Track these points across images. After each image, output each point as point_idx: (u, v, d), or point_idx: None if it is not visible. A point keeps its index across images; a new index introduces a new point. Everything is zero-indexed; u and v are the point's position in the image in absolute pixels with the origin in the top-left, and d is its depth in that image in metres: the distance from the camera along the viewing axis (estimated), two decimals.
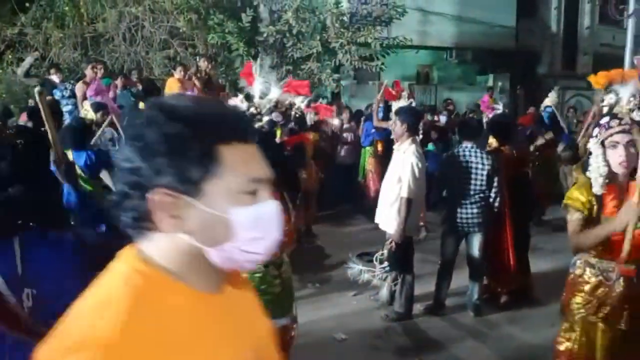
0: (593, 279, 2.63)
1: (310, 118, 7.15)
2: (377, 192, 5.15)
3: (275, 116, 6.10)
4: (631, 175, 2.53)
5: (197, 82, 8.03)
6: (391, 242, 4.37)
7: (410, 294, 4.63)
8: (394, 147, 4.67)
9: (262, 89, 6.23)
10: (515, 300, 4.92)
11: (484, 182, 4.52)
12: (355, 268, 4.57)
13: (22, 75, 9.85)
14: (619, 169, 2.50)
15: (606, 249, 2.56)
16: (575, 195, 2.62)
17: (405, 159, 4.34)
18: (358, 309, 4.88)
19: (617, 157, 2.48)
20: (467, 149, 4.62)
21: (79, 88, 7.20)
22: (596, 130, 2.60)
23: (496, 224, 4.65)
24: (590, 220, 2.58)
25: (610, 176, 2.54)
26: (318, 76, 10.61)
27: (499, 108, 7.31)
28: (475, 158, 4.55)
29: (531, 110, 9.23)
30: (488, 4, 14.64)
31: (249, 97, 6.41)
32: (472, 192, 4.54)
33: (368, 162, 8.12)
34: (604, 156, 2.51)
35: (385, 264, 4.40)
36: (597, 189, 2.55)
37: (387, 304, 4.83)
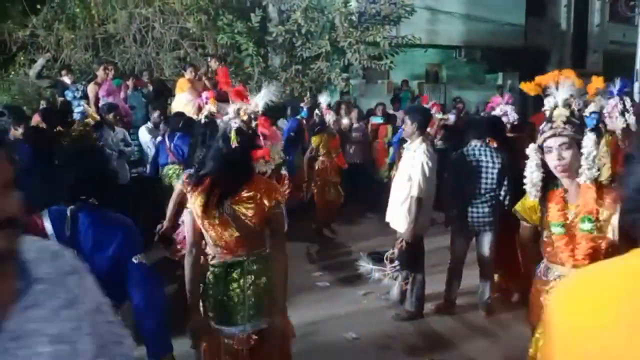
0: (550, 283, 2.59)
1: (328, 119, 7.13)
2: None
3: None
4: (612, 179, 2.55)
5: (207, 83, 8.08)
6: (402, 241, 4.38)
7: (421, 293, 4.65)
8: (404, 146, 4.68)
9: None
10: (527, 299, 4.90)
11: (494, 181, 4.52)
12: (366, 267, 4.58)
13: (34, 76, 9.94)
14: (557, 173, 2.46)
15: (553, 253, 2.57)
16: (523, 203, 2.67)
17: (416, 158, 4.34)
18: (369, 308, 4.90)
19: (552, 162, 2.43)
20: (476, 148, 4.62)
21: (91, 89, 7.28)
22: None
23: (508, 222, 4.63)
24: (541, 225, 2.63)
25: (552, 181, 2.53)
26: (327, 75, 10.62)
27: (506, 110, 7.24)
28: (485, 157, 4.55)
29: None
30: (497, 3, 14.60)
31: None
32: (482, 191, 4.55)
33: None
34: (539, 162, 2.49)
35: (396, 263, 4.40)
36: (532, 197, 2.56)
37: (398, 303, 4.84)
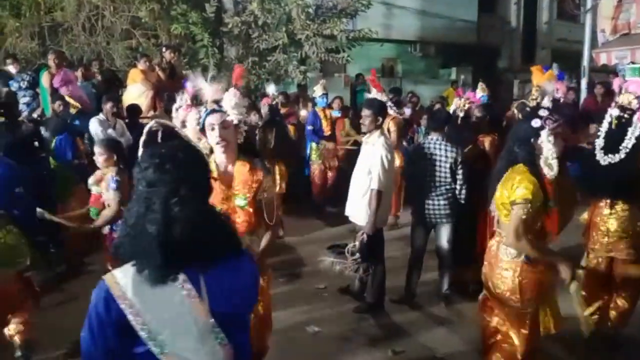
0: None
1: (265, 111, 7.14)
2: None
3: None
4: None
5: (160, 73, 7.87)
6: (362, 234, 4.39)
7: (381, 284, 4.68)
8: (363, 139, 4.68)
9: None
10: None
11: (447, 174, 4.58)
12: (327, 260, 4.56)
13: None
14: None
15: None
16: (528, 186, 2.76)
17: (375, 151, 4.36)
18: (330, 301, 4.90)
19: (558, 147, 2.81)
20: (432, 141, 4.68)
21: (45, 79, 6.94)
22: (538, 121, 2.81)
23: (466, 214, 4.71)
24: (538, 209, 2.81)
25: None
26: (284, 68, 10.53)
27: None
28: (439, 150, 4.60)
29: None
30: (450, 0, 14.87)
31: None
32: (437, 184, 4.61)
33: None
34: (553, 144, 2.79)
35: (357, 255, 4.41)
36: (552, 175, 2.81)
37: (359, 295, 4.86)
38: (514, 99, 12.54)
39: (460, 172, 4.56)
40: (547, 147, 2.77)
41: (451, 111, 5.82)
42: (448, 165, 4.56)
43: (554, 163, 2.79)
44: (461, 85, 12.30)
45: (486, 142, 4.96)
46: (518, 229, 2.77)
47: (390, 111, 6.43)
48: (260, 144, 6.34)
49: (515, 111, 6.06)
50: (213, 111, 2.82)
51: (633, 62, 9.96)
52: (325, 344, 4.16)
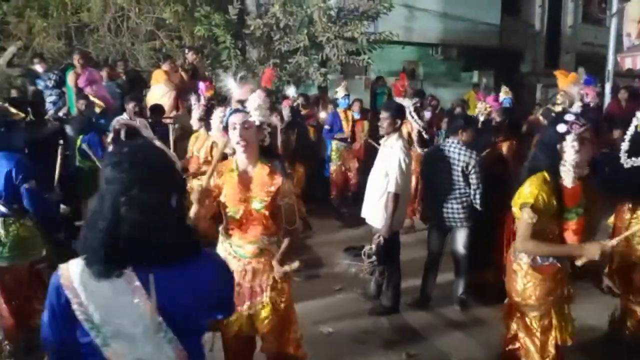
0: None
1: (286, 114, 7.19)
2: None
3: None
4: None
5: (183, 74, 7.99)
6: (379, 237, 4.40)
7: (397, 287, 4.68)
8: (381, 142, 4.70)
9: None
10: (502, 294, 4.98)
11: (461, 178, 4.56)
12: (344, 262, 4.60)
13: (5, 65, 9.66)
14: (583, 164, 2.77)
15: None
16: (534, 191, 2.74)
17: (392, 154, 4.37)
18: (345, 303, 4.91)
19: (585, 154, 2.74)
20: (448, 144, 4.67)
21: (71, 78, 7.11)
22: (564, 126, 2.74)
23: (483, 218, 4.69)
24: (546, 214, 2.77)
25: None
26: (305, 70, 10.58)
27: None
28: (455, 154, 4.59)
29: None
30: (473, 2, 14.73)
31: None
32: (452, 188, 4.60)
33: None
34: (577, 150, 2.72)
35: (373, 258, 4.42)
36: (572, 182, 2.74)
37: (374, 297, 4.87)
38: (537, 104, 12.38)
39: (473, 176, 4.53)
40: (570, 153, 2.70)
41: (478, 115, 5.82)
42: (461, 169, 4.55)
43: (573, 171, 2.73)
44: (483, 88, 12.21)
45: (504, 146, 4.94)
46: (523, 232, 2.78)
47: (410, 118, 6.38)
48: (283, 146, 6.40)
49: (541, 117, 5.97)
50: (236, 111, 2.86)
51: None
52: (339, 345, 4.18)
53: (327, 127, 8.07)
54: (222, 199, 2.86)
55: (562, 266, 2.92)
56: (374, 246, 4.42)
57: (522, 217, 2.77)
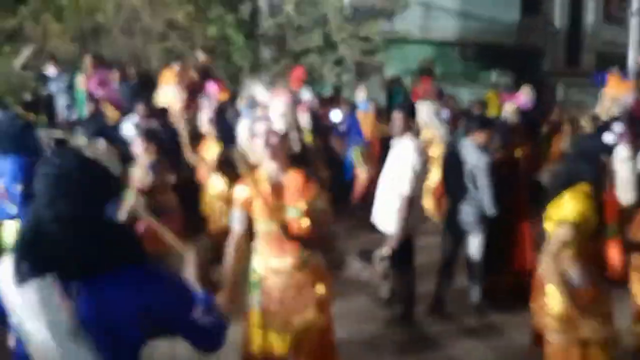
0: None
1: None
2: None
3: None
4: None
5: (195, 75, 7.92)
6: (392, 241, 4.25)
7: (411, 293, 4.53)
8: (393, 142, 4.54)
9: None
10: (517, 300, 4.81)
11: (470, 181, 4.41)
12: (357, 267, 4.48)
13: (20, 67, 9.72)
14: None
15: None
16: (577, 207, 2.53)
17: (405, 156, 4.22)
18: (358, 308, 4.76)
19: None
20: (462, 146, 4.51)
21: (80, 81, 7.09)
22: (611, 136, 2.69)
23: (498, 222, 4.51)
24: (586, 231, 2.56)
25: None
26: (319, 70, 10.48)
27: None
28: (465, 155, 4.43)
29: None
30: (492, 0, 14.50)
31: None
32: (465, 190, 4.43)
33: None
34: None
35: (387, 262, 4.28)
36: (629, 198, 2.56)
37: (388, 303, 4.72)
38: (557, 104, 12.12)
39: (481, 180, 4.35)
40: (624, 167, 2.54)
41: (504, 116, 5.62)
42: (468, 172, 4.39)
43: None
44: (503, 88, 11.98)
45: (517, 150, 4.73)
46: (553, 248, 2.60)
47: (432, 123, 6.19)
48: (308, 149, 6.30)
49: (584, 122, 5.69)
50: (259, 119, 2.79)
51: None
52: (351, 351, 4.03)
53: (341, 127, 7.92)
54: (253, 214, 2.77)
55: (601, 289, 2.76)
56: (386, 250, 4.27)
57: (558, 232, 2.58)
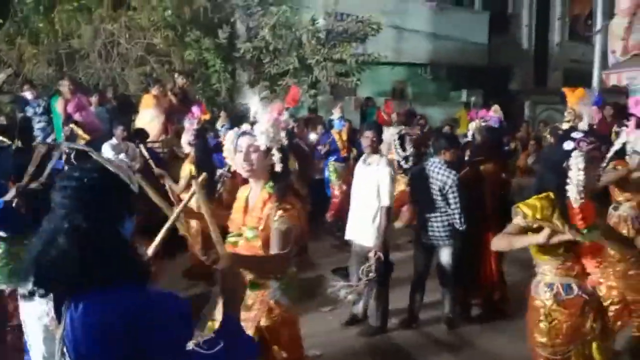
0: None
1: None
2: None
3: None
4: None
5: (173, 98, 8.05)
6: (376, 253, 4.41)
7: (385, 307, 4.67)
8: (360, 161, 4.74)
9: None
10: (489, 312, 4.99)
11: (439, 198, 4.59)
12: (337, 284, 4.58)
13: None
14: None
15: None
16: (533, 204, 2.62)
17: (380, 170, 4.45)
18: (333, 324, 4.87)
19: (592, 173, 2.60)
20: (430, 164, 4.72)
21: (57, 105, 7.15)
22: (571, 143, 2.60)
23: (468, 236, 4.71)
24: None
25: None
26: None
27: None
28: (433, 173, 4.63)
29: None
30: (461, 22, 15.01)
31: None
32: (434, 207, 4.62)
33: None
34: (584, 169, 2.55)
35: (371, 275, 4.41)
36: (578, 203, 2.56)
37: (362, 318, 4.84)
38: (525, 121, 12.52)
39: (451, 196, 4.55)
40: (575, 171, 2.55)
41: (469, 133, 5.84)
42: (438, 188, 4.58)
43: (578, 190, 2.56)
44: (473, 107, 12.34)
45: (483, 167, 4.97)
46: (507, 229, 2.67)
47: (392, 148, 6.35)
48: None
49: (548, 136, 5.99)
50: (244, 134, 2.74)
51: None
52: None
53: (320, 147, 8.11)
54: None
55: (590, 298, 2.69)
56: (372, 263, 4.40)
57: (513, 220, 2.66)
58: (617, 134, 4.04)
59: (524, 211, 2.60)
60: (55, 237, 1.44)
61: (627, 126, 4.02)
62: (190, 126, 5.70)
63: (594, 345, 2.69)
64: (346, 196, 7.90)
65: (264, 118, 2.71)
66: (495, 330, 4.74)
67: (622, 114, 9.02)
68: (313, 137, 8.79)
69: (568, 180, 2.56)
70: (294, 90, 6.89)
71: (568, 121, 5.72)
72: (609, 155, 3.81)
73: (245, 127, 2.85)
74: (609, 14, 11.16)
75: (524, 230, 2.64)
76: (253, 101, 2.97)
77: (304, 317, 4.93)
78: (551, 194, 2.62)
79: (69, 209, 1.47)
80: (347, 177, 8.06)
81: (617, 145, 3.81)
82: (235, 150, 2.71)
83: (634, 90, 10.52)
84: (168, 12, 10.10)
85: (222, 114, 8.20)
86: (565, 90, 6.42)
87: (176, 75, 8.69)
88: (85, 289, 1.45)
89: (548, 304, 2.67)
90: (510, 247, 2.68)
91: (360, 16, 11.11)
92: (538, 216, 2.57)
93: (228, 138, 2.96)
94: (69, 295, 1.46)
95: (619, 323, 3.72)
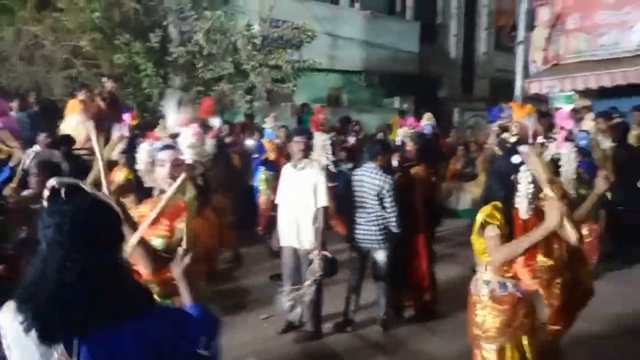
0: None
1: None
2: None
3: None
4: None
5: (101, 103, 7.76)
6: (319, 252, 4.44)
7: (318, 312, 4.70)
8: (288, 167, 4.76)
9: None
10: (421, 313, 5.14)
11: (376, 202, 4.69)
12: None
13: None
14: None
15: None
16: (494, 214, 2.75)
17: (314, 173, 4.53)
18: (270, 332, 4.85)
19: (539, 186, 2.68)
20: (364, 169, 4.81)
21: None
22: (519, 157, 2.74)
23: (400, 240, 4.84)
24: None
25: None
26: (230, 97, 10.59)
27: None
28: (369, 178, 4.73)
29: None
30: (393, 31, 15.41)
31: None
32: (369, 211, 4.72)
33: None
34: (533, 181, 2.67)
35: (318, 274, 4.41)
36: (526, 214, 2.68)
37: (299, 325, 4.85)
38: (454, 127, 13.01)
39: (387, 200, 4.67)
40: (525, 185, 2.67)
41: (397, 139, 5.99)
42: (375, 193, 4.68)
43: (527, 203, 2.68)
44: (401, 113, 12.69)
45: (413, 171, 5.13)
46: (494, 244, 2.71)
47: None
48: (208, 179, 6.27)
49: (496, 148, 6.21)
50: (167, 147, 2.69)
51: (562, 91, 10.58)
52: None
53: (256, 155, 8.06)
54: None
55: (523, 297, 2.88)
56: (318, 262, 4.41)
57: (488, 234, 2.73)
58: (542, 145, 4.21)
59: (495, 222, 2.72)
60: (61, 279, 1.39)
61: (554, 138, 4.19)
62: (122, 134, 5.50)
63: (525, 339, 2.90)
64: (272, 206, 7.93)
65: (189, 131, 2.64)
66: (428, 330, 4.89)
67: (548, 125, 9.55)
68: (250, 143, 8.75)
69: (517, 194, 2.70)
70: (207, 101, 6.79)
71: (515, 135, 5.94)
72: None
73: (166, 140, 2.78)
74: (531, 25, 11.78)
75: (504, 238, 2.72)
76: (168, 109, 2.78)
77: (242, 325, 4.94)
78: (498, 204, 2.77)
79: (69, 247, 1.41)
80: (277, 186, 8.03)
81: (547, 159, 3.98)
82: (154, 163, 2.67)
83: (552, 98, 11.18)
84: (96, 14, 9.71)
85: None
86: (512, 104, 6.69)
87: (104, 79, 8.37)
88: (100, 324, 1.41)
89: (484, 299, 2.87)
90: (517, 252, 2.70)
91: (295, 23, 11.17)
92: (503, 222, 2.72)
93: (142, 151, 2.87)
94: (82, 333, 1.40)
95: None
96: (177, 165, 2.61)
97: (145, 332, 1.45)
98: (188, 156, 2.58)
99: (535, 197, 2.68)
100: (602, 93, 9.99)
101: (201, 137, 2.65)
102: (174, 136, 2.75)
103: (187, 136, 2.61)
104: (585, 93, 10.34)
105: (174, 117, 2.74)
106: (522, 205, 2.68)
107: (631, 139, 6.86)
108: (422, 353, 4.50)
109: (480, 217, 2.78)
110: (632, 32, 9.68)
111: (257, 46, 10.80)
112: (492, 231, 2.71)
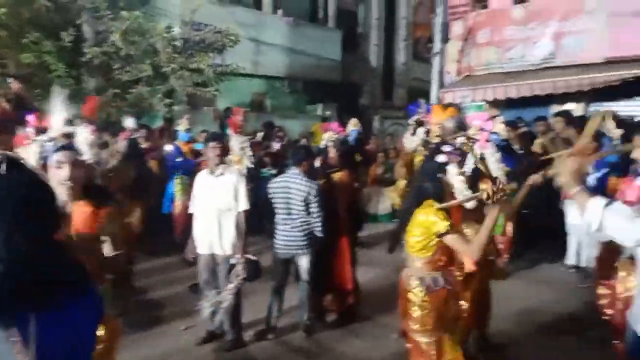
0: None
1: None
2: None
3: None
4: None
5: (5, 105, 7.26)
6: (242, 257, 4.42)
7: (238, 320, 4.65)
8: (204, 174, 4.68)
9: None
10: (344, 317, 5.20)
11: (301, 207, 4.72)
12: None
13: None
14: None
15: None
16: (439, 214, 2.91)
17: (233, 177, 4.52)
18: (190, 342, 4.72)
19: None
20: (289, 176, 4.83)
21: None
22: (443, 157, 3.04)
23: (323, 244, 4.88)
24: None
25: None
26: (149, 101, 10.24)
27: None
28: (294, 184, 4.75)
29: None
30: (316, 38, 15.61)
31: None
32: (293, 217, 4.75)
33: None
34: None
35: (241, 278, 4.37)
36: (471, 204, 3.08)
37: (221, 334, 4.75)
38: (374, 134, 13.35)
39: (313, 205, 4.71)
40: (457, 180, 2.99)
41: (322, 143, 6.06)
42: (301, 199, 4.71)
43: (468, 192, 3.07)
44: (324, 120, 12.86)
45: (336, 176, 5.23)
46: (462, 245, 2.89)
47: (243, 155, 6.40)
48: (115, 182, 5.99)
49: (422, 148, 6.46)
50: (63, 147, 2.59)
51: (473, 101, 11.18)
52: None
53: (178, 159, 7.86)
54: None
55: (451, 288, 3.09)
56: (241, 265, 4.37)
57: (450, 241, 2.89)
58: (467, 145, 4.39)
59: (446, 222, 2.87)
60: (10, 251, 1.35)
61: (475, 139, 4.38)
62: (27, 136, 5.18)
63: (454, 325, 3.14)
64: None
65: (84, 131, 2.58)
66: (351, 334, 4.96)
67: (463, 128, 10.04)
68: (168, 148, 8.50)
69: (454, 190, 3.06)
70: (91, 100, 6.49)
71: (438, 136, 6.16)
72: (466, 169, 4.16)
73: (60, 139, 2.67)
74: (446, 38, 12.34)
75: (462, 235, 2.99)
76: (59, 104, 2.74)
77: (160, 336, 4.78)
78: (432, 202, 2.96)
79: (11, 221, 1.38)
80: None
81: (470, 159, 4.17)
82: (48, 166, 2.56)
83: (465, 107, 11.77)
84: (2, 10, 9.06)
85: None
86: (434, 107, 6.94)
87: (10, 79, 7.84)
88: (48, 305, 1.40)
89: (420, 295, 3.00)
90: (483, 243, 2.84)
91: (218, 27, 11.02)
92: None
93: (32, 151, 2.75)
94: (27, 317, 1.37)
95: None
96: (75, 167, 2.54)
97: (93, 307, 1.51)
98: (88, 156, 2.59)
99: (472, 186, 3.08)
100: (509, 103, 10.67)
101: (97, 135, 2.61)
102: (68, 136, 2.65)
103: (85, 135, 2.56)
104: (495, 103, 10.98)
105: (60, 115, 2.66)
106: (462, 196, 3.06)
107: (536, 146, 7.36)
108: (345, 356, 4.56)
109: (423, 217, 2.94)
110: (535, 47, 10.41)
111: (178, 49, 10.54)
112: (452, 237, 2.88)
